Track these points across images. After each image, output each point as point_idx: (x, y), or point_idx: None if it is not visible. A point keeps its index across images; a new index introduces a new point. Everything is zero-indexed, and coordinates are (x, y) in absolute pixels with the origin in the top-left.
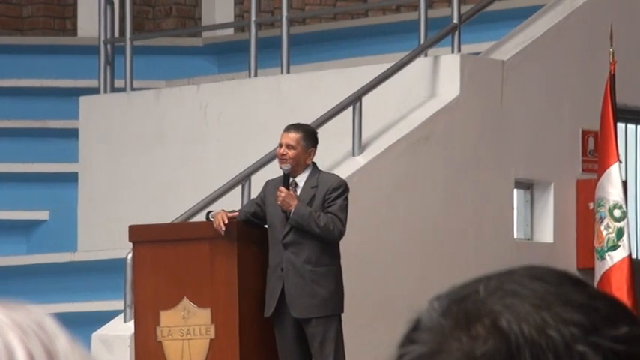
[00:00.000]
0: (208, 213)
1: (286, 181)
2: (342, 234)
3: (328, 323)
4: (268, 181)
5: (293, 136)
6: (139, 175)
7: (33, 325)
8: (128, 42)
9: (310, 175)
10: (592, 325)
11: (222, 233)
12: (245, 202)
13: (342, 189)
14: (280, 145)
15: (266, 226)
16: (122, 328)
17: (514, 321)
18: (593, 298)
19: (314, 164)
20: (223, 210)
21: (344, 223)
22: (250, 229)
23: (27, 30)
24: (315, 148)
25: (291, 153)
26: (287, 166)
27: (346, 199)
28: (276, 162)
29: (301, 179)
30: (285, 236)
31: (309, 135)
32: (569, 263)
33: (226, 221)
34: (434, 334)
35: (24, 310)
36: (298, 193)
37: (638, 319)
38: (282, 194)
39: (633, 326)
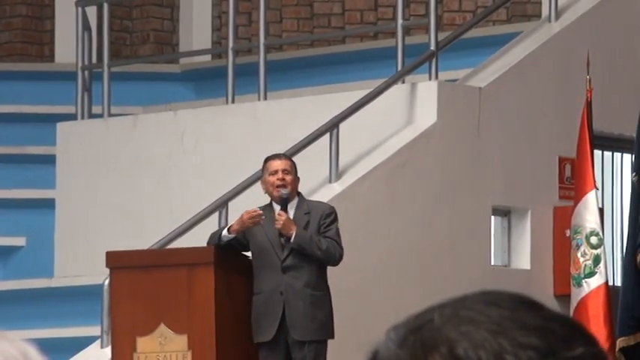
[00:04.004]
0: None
1: (285, 205)
2: (341, 257)
3: (319, 349)
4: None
5: (287, 162)
6: (116, 201)
7: (17, 354)
8: (106, 68)
9: (300, 203)
10: (548, 347)
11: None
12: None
13: (333, 215)
14: (275, 172)
15: (248, 253)
16: (99, 355)
17: (471, 348)
18: (549, 321)
19: (299, 192)
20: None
21: (342, 247)
22: (227, 255)
23: (4, 56)
24: None
25: (288, 178)
26: (287, 190)
27: (337, 225)
28: (253, 188)
29: (291, 206)
30: (285, 260)
31: (294, 163)
32: (546, 290)
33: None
34: None
35: (7, 340)
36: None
37: (594, 339)
38: (283, 218)
39: (589, 346)
